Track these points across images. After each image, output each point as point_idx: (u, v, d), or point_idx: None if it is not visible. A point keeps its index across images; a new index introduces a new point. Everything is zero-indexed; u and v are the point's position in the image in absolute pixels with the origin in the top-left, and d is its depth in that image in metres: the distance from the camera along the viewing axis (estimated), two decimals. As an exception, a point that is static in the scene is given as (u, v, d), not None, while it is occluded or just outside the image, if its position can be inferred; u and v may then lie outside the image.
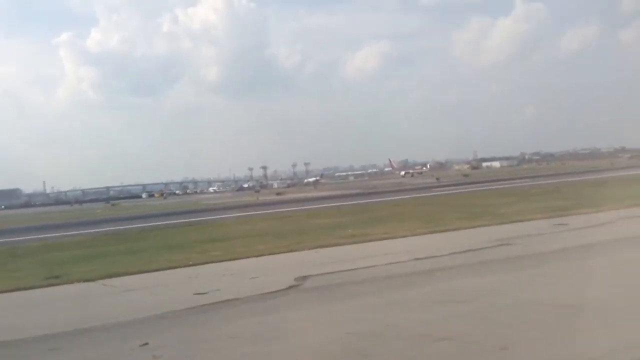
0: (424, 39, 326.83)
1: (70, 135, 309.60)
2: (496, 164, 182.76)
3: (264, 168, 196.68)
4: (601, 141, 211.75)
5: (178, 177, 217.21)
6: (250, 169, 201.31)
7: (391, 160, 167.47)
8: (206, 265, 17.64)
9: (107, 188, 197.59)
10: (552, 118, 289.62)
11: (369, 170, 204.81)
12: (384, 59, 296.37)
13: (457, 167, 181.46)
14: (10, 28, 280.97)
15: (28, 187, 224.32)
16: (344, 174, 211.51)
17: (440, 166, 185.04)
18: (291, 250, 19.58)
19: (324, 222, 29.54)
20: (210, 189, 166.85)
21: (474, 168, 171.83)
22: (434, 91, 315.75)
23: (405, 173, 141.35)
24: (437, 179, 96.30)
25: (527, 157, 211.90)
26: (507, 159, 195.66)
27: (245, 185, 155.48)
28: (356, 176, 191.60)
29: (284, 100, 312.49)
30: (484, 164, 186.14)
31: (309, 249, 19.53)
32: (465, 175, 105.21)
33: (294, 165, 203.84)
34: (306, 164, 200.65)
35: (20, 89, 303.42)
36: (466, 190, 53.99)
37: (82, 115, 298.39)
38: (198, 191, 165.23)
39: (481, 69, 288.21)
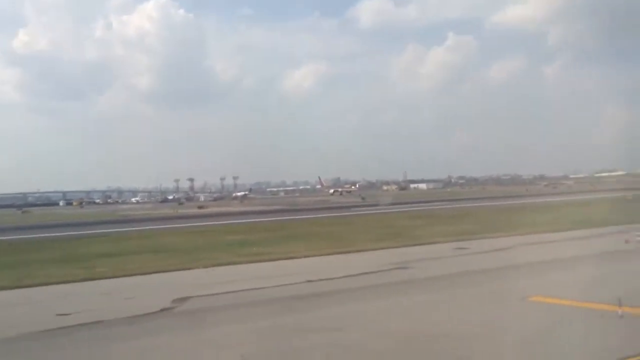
0: (360, 63, 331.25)
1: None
2: (423, 185, 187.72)
3: (191, 180, 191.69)
4: (522, 168, 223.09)
5: (103, 186, 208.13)
6: (177, 181, 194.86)
7: (321, 178, 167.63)
8: (86, 283, 16.42)
9: (24, 194, 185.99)
10: (478, 144, 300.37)
11: (301, 187, 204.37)
12: (321, 79, 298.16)
13: (385, 188, 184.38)
14: None
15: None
16: (276, 189, 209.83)
17: (370, 186, 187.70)
18: (184, 268, 18.64)
19: (233, 239, 28.68)
20: (133, 200, 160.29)
21: (401, 189, 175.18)
22: (368, 113, 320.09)
23: (334, 191, 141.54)
24: (363, 198, 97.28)
25: (453, 180, 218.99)
26: (434, 181, 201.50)
27: (170, 197, 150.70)
28: (287, 192, 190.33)
29: (218, 114, 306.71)
30: (412, 186, 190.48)
31: (204, 267, 18.65)
32: (391, 196, 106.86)
33: (222, 179, 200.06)
34: (235, 178, 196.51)
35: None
36: (386, 211, 54.51)
37: (2, 117, 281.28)
38: (120, 201, 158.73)
39: (414, 94, 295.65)
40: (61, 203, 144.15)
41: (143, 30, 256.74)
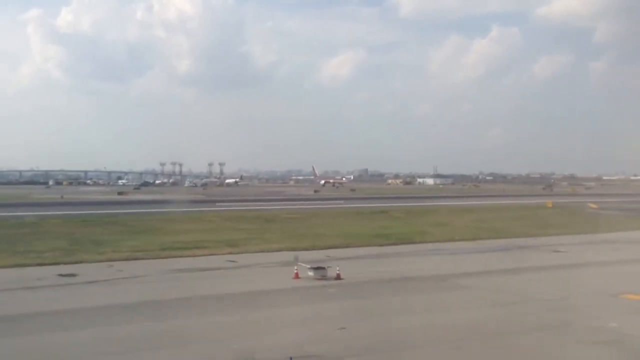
0: (400, 52, 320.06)
1: (32, 115, 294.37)
2: (430, 181, 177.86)
3: (179, 164, 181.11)
4: (559, 166, 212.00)
5: (141, 167, 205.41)
6: (162, 165, 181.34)
7: (314, 168, 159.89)
8: None
9: (46, 172, 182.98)
10: (515, 141, 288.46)
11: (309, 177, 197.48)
12: (358, 68, 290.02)
13: (390, 182, 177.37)
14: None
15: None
16: (300, 177, 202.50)
17: (371, 178, 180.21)
18: None
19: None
20: (120, 182, 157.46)
21: (406, 183, 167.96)
22: (404, 105, 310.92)
23: (325, 182, 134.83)
24: (315, 191, 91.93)
25: (480, 177, 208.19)
26: (444, 177, 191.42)
27: (152, 181, 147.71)
28: (297, 181, 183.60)
29: (254, 100, 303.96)
30: (419, 180, 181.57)
31: None
32: (352, 190, 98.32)
33: (210, 165, 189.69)
34: (221, 164, 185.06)
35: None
36: (262, 208, 48.85)
37: (43, 94, 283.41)
38: (110, 183, 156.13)
39: (453, 86, 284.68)
40: (50, 182, 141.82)
41: (184, 13, 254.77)
